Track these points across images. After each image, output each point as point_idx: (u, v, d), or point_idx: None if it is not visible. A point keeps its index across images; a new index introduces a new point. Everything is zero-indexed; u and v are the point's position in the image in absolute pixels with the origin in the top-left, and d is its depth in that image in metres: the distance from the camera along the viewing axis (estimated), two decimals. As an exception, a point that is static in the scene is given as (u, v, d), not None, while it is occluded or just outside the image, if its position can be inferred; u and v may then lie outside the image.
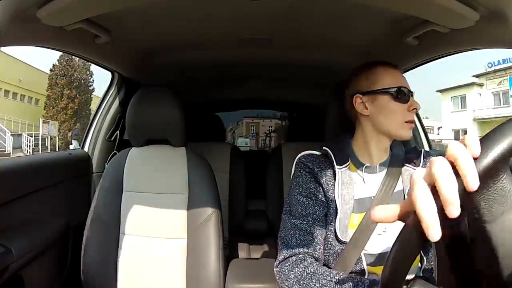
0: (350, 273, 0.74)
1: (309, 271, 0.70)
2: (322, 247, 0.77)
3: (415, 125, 1.41)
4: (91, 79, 20.64)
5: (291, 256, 0.75)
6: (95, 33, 0.92)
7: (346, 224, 0.76)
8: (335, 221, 0.76)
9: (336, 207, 0.76)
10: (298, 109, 2.12)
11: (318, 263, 0.74)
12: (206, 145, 1.59)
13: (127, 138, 1.16)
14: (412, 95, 0.79)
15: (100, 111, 1.36)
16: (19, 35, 0.75)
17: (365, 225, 0.75)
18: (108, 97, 1.37)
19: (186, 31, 1.05)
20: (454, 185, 0.28)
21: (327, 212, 0.78)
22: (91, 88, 20.73)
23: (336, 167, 0.78)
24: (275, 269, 0.77)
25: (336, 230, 0.75)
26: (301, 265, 0.73)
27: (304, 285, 0.69)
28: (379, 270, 0.74)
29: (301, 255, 0.75)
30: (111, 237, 1.01)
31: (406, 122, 0.78)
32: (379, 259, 0.75)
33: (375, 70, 0.81)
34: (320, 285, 0.67)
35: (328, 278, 0.68)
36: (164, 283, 0.99)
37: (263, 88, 1.90)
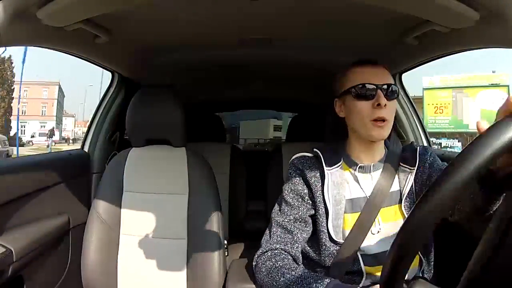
0: (348, 273, 0.74)
1: (277, 265, 0.72)
2: (300, 246, 0.78)
3: (413, 120, 1.41)
4: (13, 79, 23.00)
5: (268, 251, 0.77)
6: (95, 33, 0.92)
7: (339, 224, 0.76)
8: (327, 222, 0.76)
9: (326, 208, 0.76)
10: (298, 109, 2.12)
11: (290, 258, 0.75)
12: (206, 145, 1.59)
13: (127, 138, 1.16)
14: (384, 90, 0.74)
15: (100, 111, 1.36)
16: (19, 35, 0.75)
17: (360, 225, 0.75)
18: (108, 97, 1.36)
19: (186, 31, 1.05)
20: None
21: (317, 213, 0.78)
22: (12, 88, 23.00)
23: (325, 168, 0.78)
24: (253, 263, 0.79)
25: (330, 231, 0.75)
26: (273, 259, 0.74)
27: (271, 277, 0.71)
28: (377, 270, 0.74)
29: (277, 251, 0.76)
30: (111, 237, 1.01)
31: (373, 120, 0.73)
32: (377, 259, 0.75)
33: (347, 71, 0.80)
34: (284, 278, 0.69)
35: (293, 273, 0.69)
36: (164, 283, 0.99)
37: (263, 88, 1.90)
